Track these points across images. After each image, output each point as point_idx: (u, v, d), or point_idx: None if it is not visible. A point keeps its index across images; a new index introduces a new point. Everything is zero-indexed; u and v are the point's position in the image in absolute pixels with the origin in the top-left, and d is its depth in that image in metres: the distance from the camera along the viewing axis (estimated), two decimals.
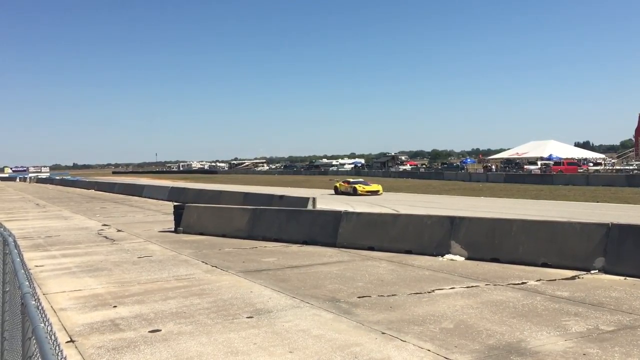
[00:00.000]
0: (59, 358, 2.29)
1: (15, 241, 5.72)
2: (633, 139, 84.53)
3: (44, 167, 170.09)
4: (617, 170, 61.30)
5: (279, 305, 9.09)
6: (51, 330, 2.67)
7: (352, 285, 10.46)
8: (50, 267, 13.39)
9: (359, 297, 9.52)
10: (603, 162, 73.38)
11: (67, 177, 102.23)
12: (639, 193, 35.27)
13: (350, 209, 19.55)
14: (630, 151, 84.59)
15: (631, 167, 62.69)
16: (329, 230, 15.75)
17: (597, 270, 10.95)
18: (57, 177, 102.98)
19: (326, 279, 11.17)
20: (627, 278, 10.38)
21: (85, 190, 60.41)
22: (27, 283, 3.62)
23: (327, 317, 8.34)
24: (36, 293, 3.48)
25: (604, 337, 7.09)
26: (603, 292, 9.46)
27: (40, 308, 3.05)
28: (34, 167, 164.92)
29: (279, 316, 8.45)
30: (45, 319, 2.82)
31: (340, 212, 16.51)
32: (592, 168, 66.13)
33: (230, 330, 7.78)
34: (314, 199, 24.20)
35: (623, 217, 20.12)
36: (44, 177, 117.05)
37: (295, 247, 15.55)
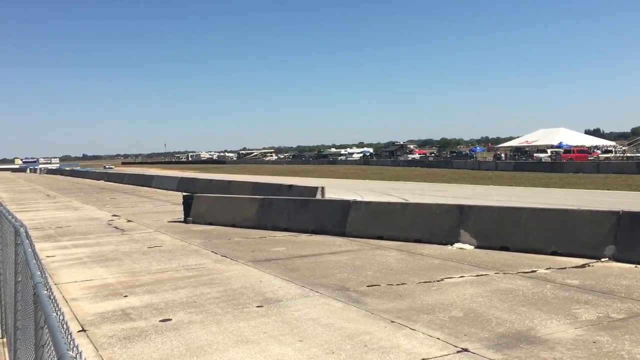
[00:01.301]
0: (71, 347, 2.30)
1: (26, 232, 5.76)
2: None
3: (54, 158, 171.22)
4: (628, 157, 60.90)
5: (289, 295, 9.12)
6: (63, 320, 2.69)
7: (362, 274, 10.48)
8: (61, 257, 13.50)
9: (368, 286, 9.54)
10: (614, 150, 72.85)
11: (77, 168, 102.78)
12: None
13: (359, 198, 19.54)
14: None
15: None
16: (338, 220, 15.76)
17: (607, 258, 10.90)
18: (67, 168, 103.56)
19: (335, 268, 11.19)
20: (638, 266, 10.33)
21: (95, 181, 60.73)
22: (39, 273, 3.65)
23: (336, 306, 8.36)
24: (48, 283, 3.50)
25: (614, 325, 7.06)
26: (613, 280, 9.42)
27: (52, 297, 3.07)
28: (44, 158, 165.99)
29: (289, 305, 8.48)
30: (57, 309, 2.85)
31: (349, 201, 16.51)
32: (602, 156, 65.67)
33: (240, 319, 7.82)
34: (322, 188, 24.17)
35: (634, 204, 19.98)
36: (54, 168, 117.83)
37: (304, 237, 15.57)
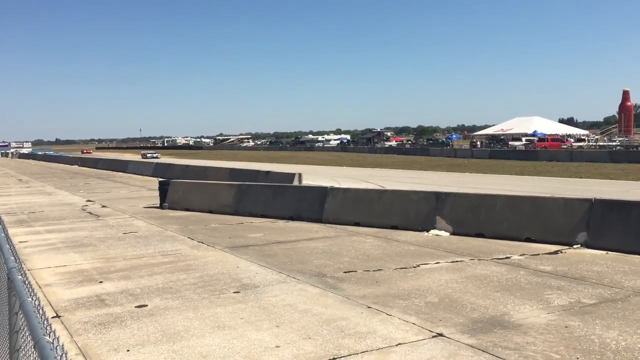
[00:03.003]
0: (47, 332, 2.28)
1: None
2: (616, 115, 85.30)
3: (26, 142, 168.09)
4: (601, 146, 61.90)
5: (266, 281, 9.13)
6: (39, 305, 2.65)
7: (339, 261, 10.53)
8: (34, 242, 13.30)
9: (345, 272, 9.59)
10: (586, 139, 74.05)
11: (50, 153, 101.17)
12: (622, 169, 35.67)
13: (337, 185, 19.57)
14: (613, 127, 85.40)
15: (614, 144, 63.33)
16: (315, 206, 15.77)
17: (579, 245, 11.11)
18: (40, 153, 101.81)
19: (312, 254, 11.22)
20: (609, 252, 10.54)
21: (69, 165, 59.79)
22: (13, 258, 3.59)
23: (313, 292, 8.40)
24: (22, 268, 3.45)
25: (585, 310, 7.22)
26: (585, 266, 9.61)
27: (26, 283, 3.03)
28: (15, 142, 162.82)
29: (266, 291, 8.49)
30: (32, 294, 2.81)
31: (326, 188, 16.52)
32: (575, 144, 66.71)
33: (217, 305, 7.81)
34: (300, 174, 24.15)
35: (606, 192, 20.37)
36: (26, 152, 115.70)
37: (281, 223, 15.57)
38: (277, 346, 6.19)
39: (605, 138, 74.19)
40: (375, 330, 6.63)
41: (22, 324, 2.66)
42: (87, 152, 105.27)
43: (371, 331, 6.61)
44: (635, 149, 55.62)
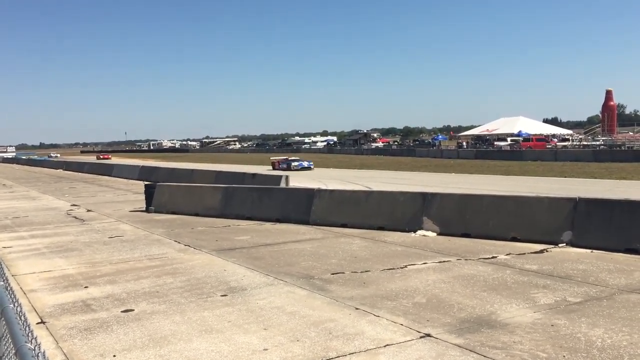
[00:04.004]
0: (30, 338, 2.24)
1: None
2: (600, 115, 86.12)
3: (10, 146, 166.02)
4: (584, 146, 62.49)
5: (253, 283, 9.09)
6: (21, 311, 2.62)
7: (326, 262, 10.51)
8: (18, 248, 13.15)
9: (332, 274, 9.58)
10: (571, 138, 74.69)
11: (34, 157, 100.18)
12: (606, 168, 36.05)
13: (323, 187, 19.58)
14: (597, 127, 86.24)
15: (598, 143, 63.97)
16: (302, 208, 15.76)
17: (565, 244, 11.19)
18: (24, 157, 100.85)
19: (300, 256, 11.20)
20: (594, 251, 10.63)
21: (54, 170, 59.28)
22: None
23: (301, 294, 8.38)
24: (4, 274, 3.41)
25: (571, 309, 7.27)
26: (570, 264, 9.68)
27: (9, 289, 2.98)
28: None
29: (253, 294, 8.46)
30: (14, 300, 2.77)
31: (313, 189, 16.52)
32: (560, 144, 67.28)
33: (204, 308, 7.76)
34: (286, 176, 24.14)
35: (590, 191, 20.55)
36: (10, 156, 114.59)
37: (268, 225, 15.53)
38: (265, 349, 6.17)
39: (589, 137, 74.93)
40: (363, 332, 6.62)
41: (4, 331, 2.62)
42: (104, 157, 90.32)
43: (359, 332, 6.60)
44: (618, 148, 56.23)
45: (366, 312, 7.37)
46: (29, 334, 2.30)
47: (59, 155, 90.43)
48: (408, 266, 9.99)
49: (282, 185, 22.71)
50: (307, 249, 11.96)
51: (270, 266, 10.32)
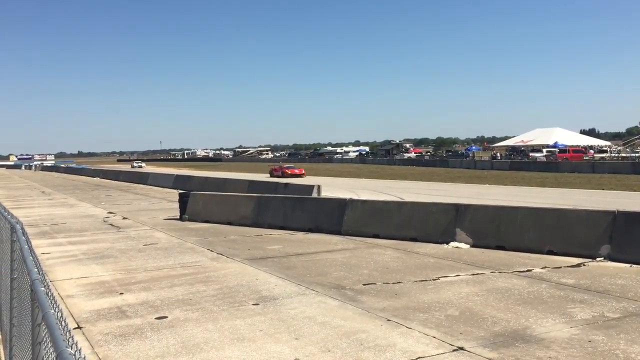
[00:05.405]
0: (70, 343, 2.30)
1: (22, 228, 5.75)
2: (639, 126, 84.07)
3: (49, 155, 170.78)
4: (623, 157, 61.11)
5: (285, 293, 9.12)
6: (61, 317, 2.68)
7: (358, 273, 10.48)
8: (56, 254, 13.46)
9: (364, 285, 9.54)
10: (608, 150, 73.08)
11: (72, 165, 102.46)
12: None
13: (355, 197, 19.55)
14: (636, 138, 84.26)
15: (637, 155, 62.48)
16: (334, 218, 15.76)
17: (602, 258, 10.94)
18: (62, 165, 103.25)
19: (331, 266, 11.19)
20: (633, 265, 10.36)
21: (91, 178, 60.55)
22: (36, 269, 3.64)
23: (332, 304, 8.37)
24: (45, 280, 3.50)
25: (609, 324, 7.09)
26: (608, 279, 9.45)
27: (49, 294, 3.06)
28: (39, 155, 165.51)
29: (285, 303, 8.48)
30: (54, 305, 2.84)
31: (345, 199, 16.51)
32: (597, 155, 65.88)
33: (236, 317, 7.82)
34: (318, 186, 24.17)
35: (629, 204, 20.04)
36: (49, 165, 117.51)
37: (300, 235, 15.57)
38: (296, 359, 6.18)
39: (628, 149, 73.20)
40: (394, 344, 6.58)
41: (45, 335, 2.69)
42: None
43: (391, 344, 6.56)
44: None
45: (398, 324, 7.31)
46: (69, 339, 2.35)
47: (143, 164, 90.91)
48: (440, 278, 9.89)
49: (314, 195, 22.77)
50: (338, 259, 11.94)
51: (301, 276, 10.34)
